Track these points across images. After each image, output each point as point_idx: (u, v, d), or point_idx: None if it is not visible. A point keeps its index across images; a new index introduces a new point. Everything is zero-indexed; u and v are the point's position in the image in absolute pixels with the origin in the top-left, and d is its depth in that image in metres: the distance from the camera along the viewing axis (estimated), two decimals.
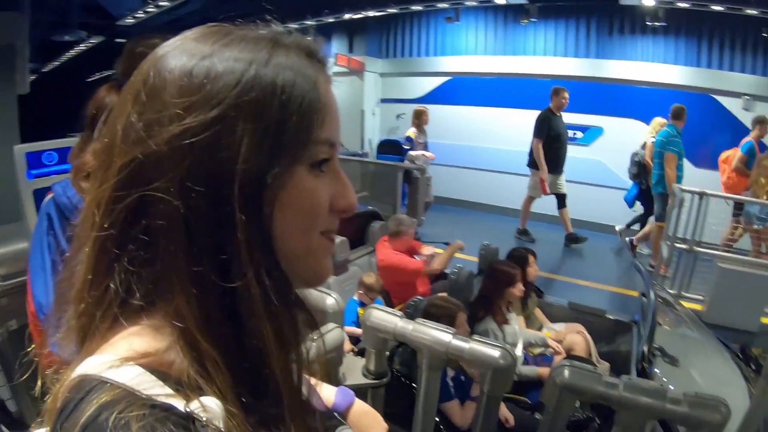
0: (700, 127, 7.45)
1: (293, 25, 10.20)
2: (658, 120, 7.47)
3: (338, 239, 3.94)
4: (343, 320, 3.54)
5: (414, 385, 2.76)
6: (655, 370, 2.72)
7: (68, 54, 14.79)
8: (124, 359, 0.53)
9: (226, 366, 0.55)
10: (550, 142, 7.58)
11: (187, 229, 0.54)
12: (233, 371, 0.55)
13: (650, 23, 8.99)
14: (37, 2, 7.71)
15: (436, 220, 8.24)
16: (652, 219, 7.50)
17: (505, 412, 3.10)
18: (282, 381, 0.59)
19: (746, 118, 8.57)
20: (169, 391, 0.51)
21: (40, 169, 2.77)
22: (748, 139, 7.09)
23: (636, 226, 8.09)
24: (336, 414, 0.96)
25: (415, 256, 4.78)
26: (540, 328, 4.32)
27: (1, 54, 6.93)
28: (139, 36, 1.62)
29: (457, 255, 4.82)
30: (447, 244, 4.92)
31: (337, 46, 11.70)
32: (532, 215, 8.40)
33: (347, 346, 3.10)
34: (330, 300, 2.06)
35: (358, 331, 3.73)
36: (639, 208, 8.08)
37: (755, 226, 6.40)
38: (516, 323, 3.94)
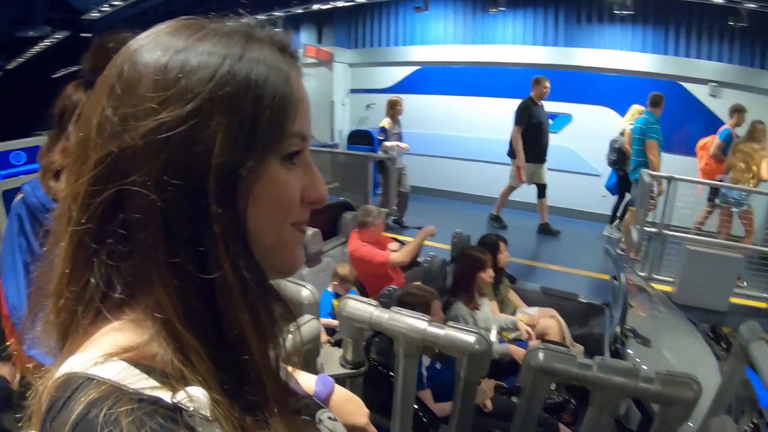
0: (667, 113, 7.53)
1: (261, 17, 10.13)
2: (636, 107, 7.59)
3: (311, 231, 3.93)
4: (319, 312, 3.55)
5: (392, 373, 2.78)
6: (628, 351, 2.77)
7: (33, 50, 14.49)
8: (108, 355, 0.53)
9: (207, 355, 0.55)
10: (532, 131, 7.62)
11: (164, 222, 0.54)
12: (215, 360, 0.56)
13: (618, 12, 9.09)
14: None
15: (409, 209, 8.25)
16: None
17: (483, 397, 3.13)
18: (262, 368, 0.60)
19: (713, 105, 8.83)
20: (155, 383, 0.51)
21: (8, 170, 2.72)
22: (725, 126, 7.25)
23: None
24: (318, 401, 0.96)
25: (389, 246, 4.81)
26: (514, 312, 4.37)
27: None
28: (107, 31, 1.59)
29: (431, 243, 4.82)
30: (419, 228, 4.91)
31: (305, 37, 11.62)
32: (509, 203, 8.45)
33: (323, 337, 3.10)
34: (305, 292, 2.06)
35: (334, 322, 3.73)
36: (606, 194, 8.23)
37: (732, 209, 6.55)
38: (488, 308, 3.98)
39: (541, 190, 8.08)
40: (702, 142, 7.65)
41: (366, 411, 1.19)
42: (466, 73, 10.73)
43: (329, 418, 0.86)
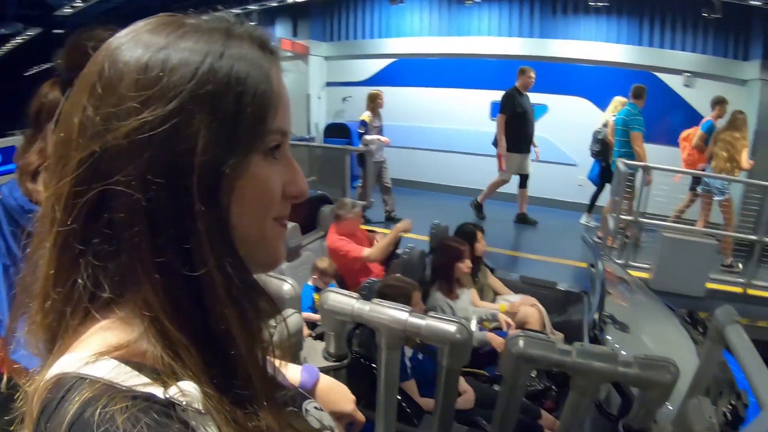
0: (641, 101, 7.69)
1: (236, 10, 10.03)
2: (619, 99, 7.69)
3: (289, 225, 3.92)
4: (301, 306, 3.54)
5: (374, 365, 2.79)
6: (607, 337, 2.80)
7: (4, 47, 14.23)
8: (99, 354, 0.53)
9: (196, 351, 0.56)
10: (516, 121, 7.62)
11: (149, 220, 0.54)
12: (204, 356, 0.56)
13: (593, 3, 9.20)
14: None
15: (378, 199, 8.25)
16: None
17: (464, 385, 3.15)
18: (249, 362, 0.61)
19: (687, 95, 9.00)
20: (147, 380, 0.52)
21: None
22: (707, 118, 7.35)
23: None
24: (303, 391, 0.97)
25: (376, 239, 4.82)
26: (494, 300, 4.42)
27: None
28: (81, 29, 1.57)
29: (409, 235, 4.82)
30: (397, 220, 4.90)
31: (281, 31, 11.54)
32: (504, 196, 8.50)
33: (305, 331, 3.10)
34: (286, 286, 2.06)
35: (315, 316, 3.73)
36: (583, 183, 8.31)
37: (715, 198, 6.65)
38: (468, 297, 4.03)
39: (523, 180, 8.14)
40: (685, 133, 7.76)
41: (352, 398, 1.20)
42: (441, 65, 10.76)
43: (315, 407, 0.87)
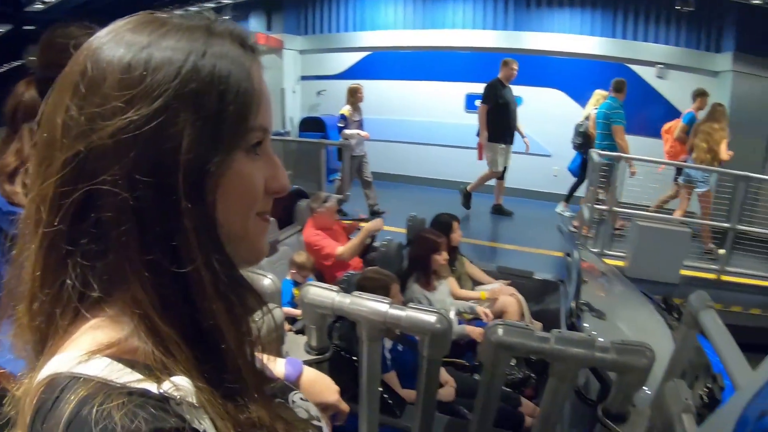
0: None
1: (209, 4, 9.93)
2: (600, 92, 7.76)
3: None
4: (281, 300, 3.54)
5: (354, 357, 2.80)
6: (584, 324, 2.83)
7: None
8: (91, 353, 0.54)
9: (187, 346, 0.57)
10: (499, 112, 7.64)
11: (137, 219, 0.54)
12: (194, 350, 0.57)
13: None
14: None
15: (359, 193, 8.22)
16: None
17: (445, 375, 3.18)
18: (238, 355, 0.62)
19: (660, 86, 9.13)
20: (140, 376, 0.52)
21: None
22: (689, 110, 7.47)
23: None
24: (288, 384, 0.98)
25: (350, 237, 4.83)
26: (473, 288, 4.45)
27: None
28: (56, 25, 1.55)
29: (386, 227, 4.82)
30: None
31: (255, 25, 11.41)
32: (459, 184, 8.51)
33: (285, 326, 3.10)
34: (267, 281, 2.06)
35: (294, 311, 3.73)
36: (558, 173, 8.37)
37: (696, 189, 6.75)
38: (446, 288, 4.05)
39: (502, 171, 8.18)
40: (667, 125, 7.88)
41: (336, 388, 1.22)
42: (416, 57, 10.77)
43: (301, 399, 0.88)
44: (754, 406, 0.99)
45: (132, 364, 0.53)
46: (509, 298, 4.20)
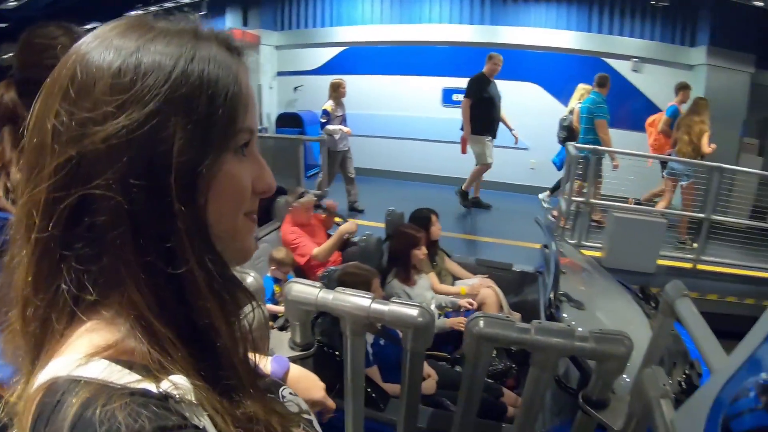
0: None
1: (186, 0, 9.85)
2: (583, 86, 7.84)
3: None
4: (265, 298, 3.53)
5: (336, 353, 2.82)
6: (563, 314, 2.86)
7: None
8: (89, 356, 0.54)
9: (182, 345, 0.58)
10: (482, 106, 7.64)
11: (131, 222, 0.55)
12: (189, 349, 0.58)
13: None
14: None
15: (341, 189, 8.21)
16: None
17: (427, 368, 3.20)
18: (232, 352, 0.63)
19: (635, 79, 9.29)
20: (138, 377, 0.53)
21: None
22: (672, 103, 7.57)
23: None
24: (277, 379, 0.99)
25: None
26: (453, 283, 4.47)
27: None
28: (34, 26, 1.54)
29: (366, 222, 4.82)
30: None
31: (231, 21, 11.32)
32: (439, 178, 8.54)
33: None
34: (249, 279, 2.06)
35: (275, 308, 3.73)
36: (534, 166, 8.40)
37: (681, 182, 6.85)
38: (426, 283, 4.07)
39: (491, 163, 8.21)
40: (651, 119, 8.01)
41: (322, 385, 1.24)
42: (393, 52, 10.78)
43: (290, 393, 0.89)
44: (729, 389, 1.03)
45: (130, 365, 0.54)
46: (487, 290, 4.23)
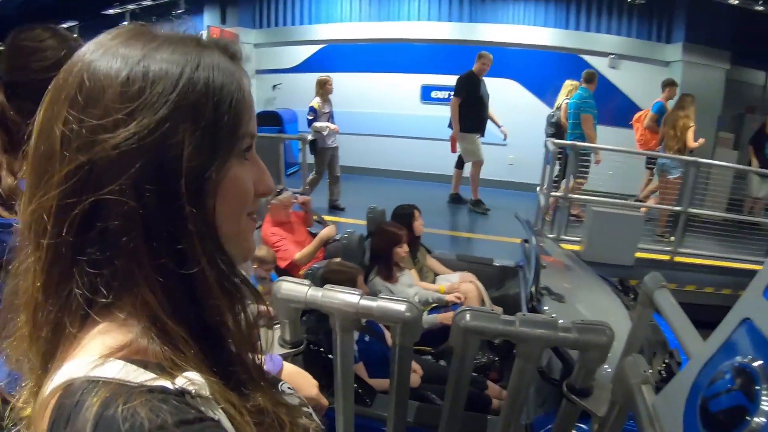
0: None
1: None
2: (571, 82, 7.92)
3: None
4: None
5: (322, 349, 2.84)
6: (544, 307, 2.89)
7: None
8: (105, 356, 0.56)
9: (194, 342, 0.60)
10: (473, 104, 7.68)
11: (144, 226, 0.57)
12: (201, 346, 0.61)
13: None
14: None
15: (323, 186, 8.20)
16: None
17: (413, 364, 3.24)
18: (242, 348, 0.67)
19: (612, 76, 9.45)
20: (154, 375, 0.55)
21: None
22: (658, 99, 7.69)
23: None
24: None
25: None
26: (434, 280, 4.50)
27: None
28: (20, 27, 1.55)
29: (346, 220, 4.83)
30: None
31: (209, 18, 11.23)
32: (437, 177, 8.56)
33: None
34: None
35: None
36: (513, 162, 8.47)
37: (668, 177, 6.95)
38: (409, 278, 4.09)
39: (461, 161, 8.29)
40: (637, 115, 8.14)
41: (314, 383, 1.26)
42: (371, 50, 10.80)
43: (288, 388, 0.92)
44: (706, 372, 1.09)
45: (145, 365, 0.56)
46: (469, 285, 4.27)
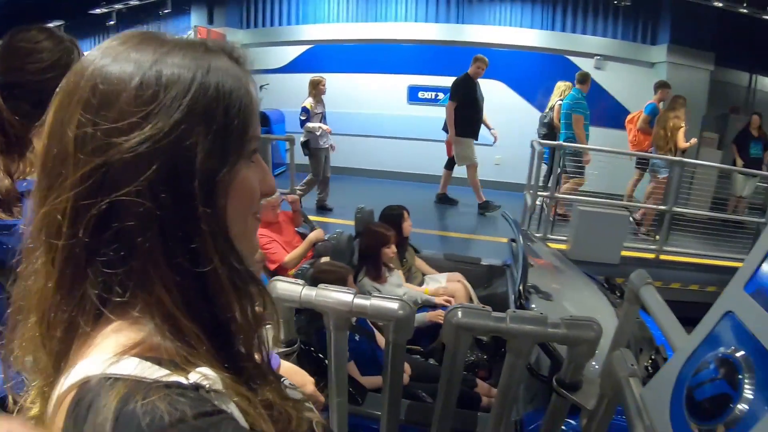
0: (555, 84, 8.07)
1: None
2: (564, 83, 7.96)
3: None
4: None
5: (312, 349, 2.86)
6: (532, 306, 2.91)
7: None
8: (119, 354, 0.57)
9: (206, 338, 0.62)
10: (469, 107, 7.68)
11: (159, 226, 0.58)
12: (212, 343, 0.63)
13: None
14: None
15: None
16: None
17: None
18: (251, 343, 0.69)
19: (598, 76, 9.44)
20: (168, 371, 0.56)
21: None
22: (651, 101, 7.73)
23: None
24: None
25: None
26: (421, 282, 4.51)
27: None
28: (16, 29, 1.56)
29: (334, 221, 4.83)
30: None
31: (196, 19, 11.20)
32: (423, 178, 8.56)
33: None
34: None
35: None
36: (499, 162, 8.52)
37: (659, 176, 7.06)
38: (397, 279, 4.10)
39: (451, 162, 8.30)
40: (630, 116, 8.17)
41: (311, 380, 1.28)
42: (358, 50, 10.82)
43: (289, 383, 0.94)
44: (691, 363, 1.13)
45: (159, 361, 0.57)
46: (456, 284, 4.31)
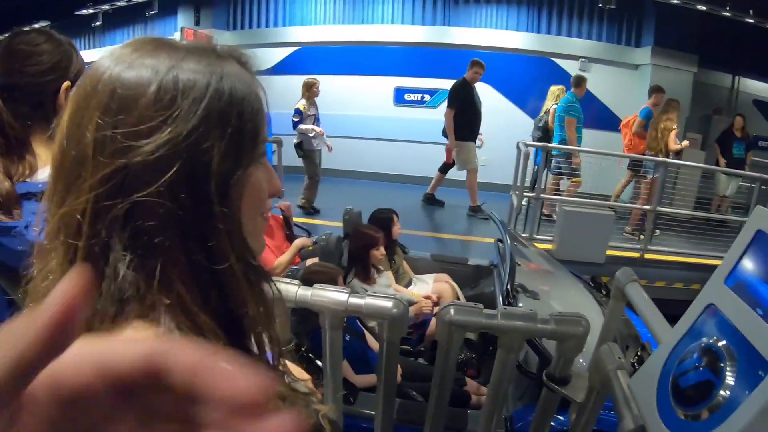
0: (540, 86, 8.17)
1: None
2: (558, 87, 8.06)
3: None
4: None
5: (303, 348, 2.90)
6: (519, 305, 2.97)
7: None
8: None
9: (223, 333, 0.64)
10: (467, 112, 7.68)
11: (179, 226, 0.60)
12: (229, 337, 0.66)
13: None
14: None
15: (295, 191, 8.09)
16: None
17: None
18: (262, 341, 0.71)
19: None
20: None
21: None
22: (645, 105, 7.82)
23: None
24: None
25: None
26: (409, 284, 4.55)
27: None
28: (15, 32, 1.57)
29: (323, 222, 4.84)
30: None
31: (182, 20, 11.18)
32: (410, 179, 8.59)
33: None
34: None
35: None
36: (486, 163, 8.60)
37: (648, 177, 7.17)
38: (386, 280, 4.14)
39: (446, 166, 8.35)
40: (625, 120, 8.26)
41: (307, 376, 1.31)
42: (345, 52, 10.86)
43: (295, 379, 0.99)
44: (676, 353, 1.19)
45: None
46: (444, 285, 4.36)
